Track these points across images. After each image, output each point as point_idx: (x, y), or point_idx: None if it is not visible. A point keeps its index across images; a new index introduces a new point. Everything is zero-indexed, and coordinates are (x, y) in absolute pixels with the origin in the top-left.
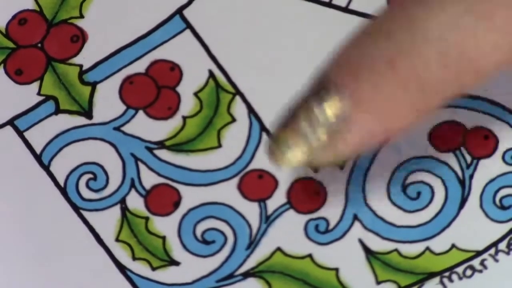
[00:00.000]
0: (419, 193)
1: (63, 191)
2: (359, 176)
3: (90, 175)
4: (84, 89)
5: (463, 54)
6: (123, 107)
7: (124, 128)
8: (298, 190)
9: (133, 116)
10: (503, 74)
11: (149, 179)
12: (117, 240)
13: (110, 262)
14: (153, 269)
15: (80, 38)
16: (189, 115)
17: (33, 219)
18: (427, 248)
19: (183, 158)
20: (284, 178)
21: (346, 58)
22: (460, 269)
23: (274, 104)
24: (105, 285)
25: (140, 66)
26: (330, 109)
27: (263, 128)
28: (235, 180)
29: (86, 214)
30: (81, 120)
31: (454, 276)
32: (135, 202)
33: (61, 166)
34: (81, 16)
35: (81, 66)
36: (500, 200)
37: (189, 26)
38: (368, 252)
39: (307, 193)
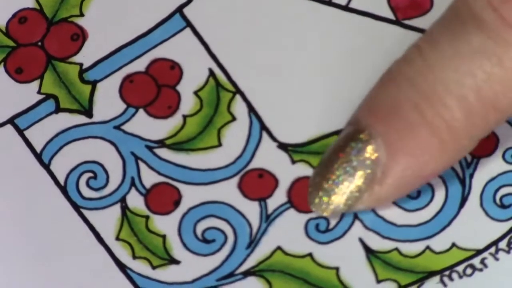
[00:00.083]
0: (419, 192)
1: (63, 189)
2: None
3: (90, 174)
4: (84, 88)
5: (481, 96)
6: (123, 106)
7: (124, 127)
8: (298, 189)
9: (133, 115)
10: None
11: (149, 178)
12: (117, 239)
13: (110, 261)
14: (153, 268)
15: (80, 36)
16: (189, 114)
17: (33, 218)
18: (428, 247)
19: (183, 157)
20: (285, 177)
21: (375, 104)
22: (460, 268)
23: (275, 103)
24: (105, 284)
25: (140, 65)
26: (365, 155)
27: (263, 127)
28: (236, 179)
29: (86, 212)
30: (81, 119)
31: (455, 275)
32: (135, 201)
33: (61, 165)
34: (81, 15)
35: (81, 64)
36: (500, 199)
37: (189, 24)
38: (368, 251)
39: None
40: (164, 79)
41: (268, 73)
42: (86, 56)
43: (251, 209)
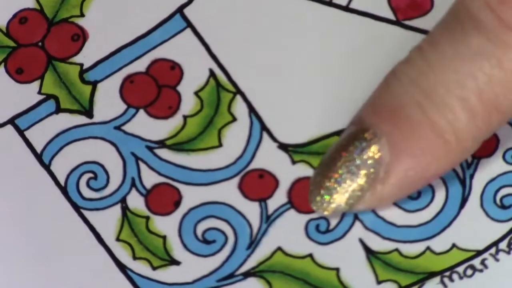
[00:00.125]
0: (419, 193)
1: (64, 190)
2: None
3: (91, 174)
4: (85, 88)
5: (483, 98)
6: (124, 106)
7: (124, 127)
8: (299, 189)
9: (133, 115)
10: None
11: (150, 179)
12: (117, 239)
13: (110, 261)
14: (154, 268)
15: (80, 37)
16: (189, 114)
17: (33, 218)
18: (428, 248)
19: (184, 158)
20: (285, 177)
21: (380, 104)
22: (460, 269)
23: (275, 103)
24: (105, 285)
25: (140, 65)
26: (368, 154)
27: (263, 127)
28: (236, 180)
29: (86, 213)
30: (82, 119)
31: (455, 276)
32: (136, 202)
33: (62, 165)
34: (82, 15)
35: (81, 65)
36: (501, 199)
37: (189, 25)
38: (368, 251)
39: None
40: (164, 80)
41: (269, 74)
42: (87, 56)
43: (252, 210)
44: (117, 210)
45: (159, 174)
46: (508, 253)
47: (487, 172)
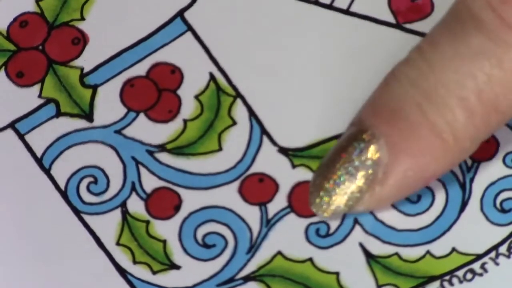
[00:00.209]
0: (419, 197)
1: (64, 194)
2: None
3: (91, 179)
4: (85, 92)
5: (482, 98)
6: (124, 110)
7: (125, 131)
8: (299, 193)
9: (134, 119)
10: None
11: (150, 183)
12: (117, 244)
13: (110, 266)
14: (154, 273)
15: (81, 40)
16: (189, 118)
17: (33, 223)
18: (428, 252)
19: (184, 162)
20: (285, 181)
21: (378, 105)
22: (460, 273)
23: (275, 107)
24: None
25: (141, 69)
26: (367, 155)
27: (264, 131)
28: (236, 184)
29: (86, 217)
30: (82, 123)
31: (455, 280)
32: (136, 206)
33: (62, 170)
34: (82, 19)
35: (82, 68)
36: (501, 203)
37: (190, 28)
38: (368, 256)
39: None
40: (164, 83)
41: (269, 77)
42: (87, 60)
43: (252, 214)
44: (117, 214)
45: (159, 178)
46: (508, 257)
47: (487, 176)
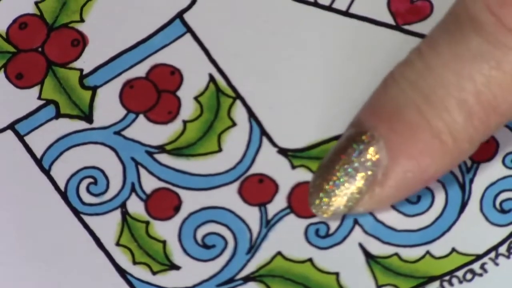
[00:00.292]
0: (419, 197)
1: (64, 195)
2: None
3: (91, 180)
4: (85, 93)
5: (481, 100)
6: (124, 112)
7: (124, 133)
8: (298, 194)
9: (133, 121)
10: None
11: (150, 184)
12: (117, 244)
13: (110, 266)
14: (154, 273)
15: (80, 42)
16: (189, 119)
17: (33, 224)
18: (427, 252)
19: (184, 163)
20: (285, 182)
21: (378, 106)
22: (460, 273)
23: (275, 108)
24: None
25: (140, 70)
26: (366, 156)
27: (263, 132)
28: (236, 185)
29: (86, 218)
30: (82, 125)
31: (454, 280)
32: (136, 207)
33: (62, 171)
34: (82, 20)
35: (81, 70)
36: (500, 204)
37: (189, 30)
38: (368, 256)
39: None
40: (164, 85)
41: (268, 79)
42: (87, 61)
43: (251, 215)
44: (117, 215)
45: (159, 179)
46: (508, 257)
47: (486, 177)
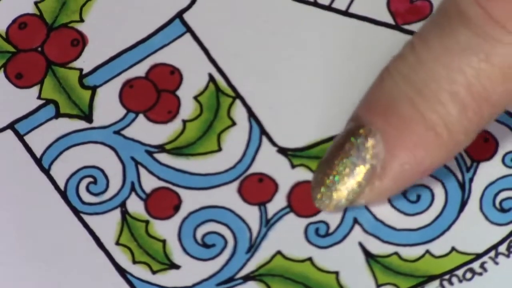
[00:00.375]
0: (419, 196)
1: (64, 194)
2: None
3: (90, 179)
4: (84, 93)
5: (472, 92)
6: (123, 111)
7: (124, 132)
8: (298, 193)
9: (133, 120)
10: None
11: (149, 183)
12: (117, 243)
13: (110, 265)
14: (153, 272)
15: (80, 42)
16: (189, 119)
17: (33, 223)
18: (427, 251)
19: (183, 162)
20: (284, 181)
21: (373, 100)
22: (460, 272)
23: (274, 107)
24: None
25: (140, 70)
26: (364, 150)
27: (263, 131)
28: (235, 184)
29: (86, 217)
30: (81, 124)
31: (454, 279)
32: (135, 206)
33: (62, 170)
34: (81, 20)
35: (81, 70)
36: (500, 203)
37: (189, 30)
38: (368, 255)
39: (307, 197)
40: (164, 84)
41: (268, 78)
42: (86, 61)
43: (251, 214)
44: (116, 214)
45: (159, 178)
46: (508, 256)
47: (486, 176)
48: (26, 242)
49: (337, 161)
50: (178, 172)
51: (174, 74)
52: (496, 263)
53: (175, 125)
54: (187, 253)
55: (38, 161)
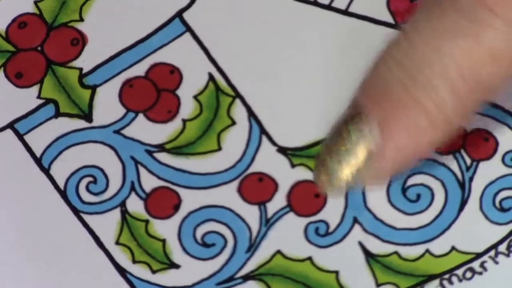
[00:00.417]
0: (419, 196)
1: (63, 194)
2: None
3: (90, 178)
4: (84, 92)
5: (463, 75)
6: (123, 110)
7: (124, 131)
8: (298, 193)
9: (133, 119)
10: None
11: (149, 182)
12: (117, 243)
13: (110, 265)
14: (153, 272)
15: (80, 41)
16: (189, 118)
17: (33, 223)
18: (427, 251)
19: (183, 161)
20: (284, 181)
21: (368, 85)
22: (460, 271)
23: (274, 107)
24: None
25: (140, 69)
26: (363, 135)
27: (263, 131)
28: (235, 183)
29: (86, 217)
30: (81, 123)
31: (454, 279)
32: (135, 205)
33: (61, 170)
34: (81, 20)
35: (81, 69)
36: (500, 202)
37: (188, 29)
38: (368, 254)
39: (307, 196)
40: (163, 84)
41: (268, 78)
42: (86, 60)
43: (251, 213)
44: (116, 214)
45: (159, 178)
46: (508, 255)
47: (486, 175)
48: (26, 241)
49: (337, 145)
50: (178, 171)
51: (174, 74)
52: (496, 263)
53: (175, 125)
54: (187, 253)
55: (38, 161)
